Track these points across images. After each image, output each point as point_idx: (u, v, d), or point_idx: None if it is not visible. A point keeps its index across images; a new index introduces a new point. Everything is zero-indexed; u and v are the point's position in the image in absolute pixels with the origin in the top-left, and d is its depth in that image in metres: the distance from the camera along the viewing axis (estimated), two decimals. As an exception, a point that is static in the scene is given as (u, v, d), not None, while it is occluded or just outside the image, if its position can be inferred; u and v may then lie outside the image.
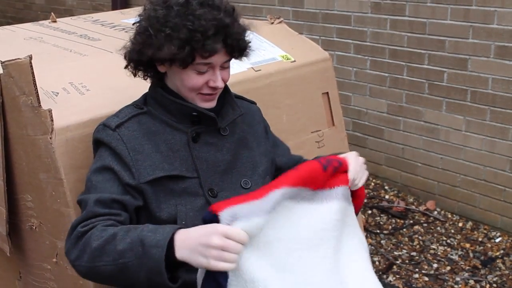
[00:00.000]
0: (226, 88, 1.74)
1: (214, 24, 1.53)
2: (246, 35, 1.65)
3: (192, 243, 1.36)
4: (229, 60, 1.64)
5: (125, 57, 1.67)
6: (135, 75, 1.71)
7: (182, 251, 1.36)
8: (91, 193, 1.57)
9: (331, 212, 1.58)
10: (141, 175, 1.60)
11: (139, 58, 1.63)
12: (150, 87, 1.73)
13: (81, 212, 1.59)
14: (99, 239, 1.45)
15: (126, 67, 1.70)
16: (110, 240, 1.44)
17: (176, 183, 1.63)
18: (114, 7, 5.52)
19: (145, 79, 1.72)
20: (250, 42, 1.67)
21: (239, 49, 1.63)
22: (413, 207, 3.62)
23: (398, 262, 3.11)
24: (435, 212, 3.57)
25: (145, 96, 1.74)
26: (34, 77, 1.70)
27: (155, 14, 1.57)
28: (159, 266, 1.36)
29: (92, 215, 1.53)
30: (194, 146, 1.67)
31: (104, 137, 1.62)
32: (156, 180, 1.61)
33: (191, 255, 1.35)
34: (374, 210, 3.61)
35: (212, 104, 1.67)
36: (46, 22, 2.58)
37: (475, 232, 3.37)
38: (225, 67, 1.64)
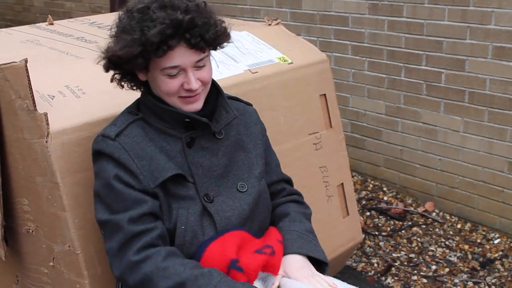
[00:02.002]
0: (218, 91, 1.73)
1: (167, 23, 1.50)
2: (214, 28, 1.58)
3: None
4: (202, 59, 1.59)
5: (103, 69, 1.65)
6: (122, 87, 1.70)
7: None
8: (116, 210, 1.58)
9: None
10: (150, 180, 1.60)
11: (114, 68, 1.63)
12: (142, 93, 1.72)
13: (104, 233, 1.62)
14: (165, 279, 1.51)
15: (111, 80, 1.68)
16: (178, 285, 1.51)
17: (177, 187, 1.63)
18: (112, 9, 5.51)
19: (133, 89, 1.71)
20: (221, 34, 1.61)
21: (206, 43, 1.56)
22: (412, 208, 3.62)
23: (396, 264, 3.10)
24: (434, 214, 3.56)
25: (138, 102, 1.74)
26: (29, 80, 1.70)
27: (120, 24, 1.58)
28: None
29: (132, 235, 1.56)
30: (189, 151, 1.66)
31: (105, 148, 1.61)
32: (164, 182, 1.61)
33: None
34: (373, 212, 3.61)
35: (196, 106, 1.63)
36: (43, 24, 2.58)
37: (474, 233, 3.36)
38: (199, 66, 1.59)
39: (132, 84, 1.69)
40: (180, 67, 1.56)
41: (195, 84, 1.58)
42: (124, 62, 1.57)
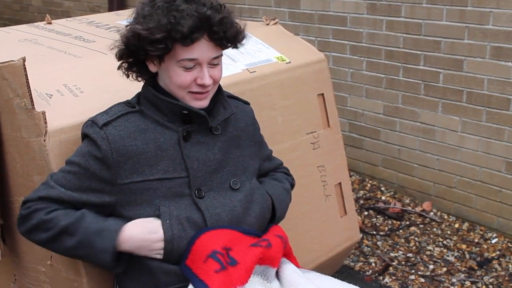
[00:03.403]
0: (218, 88, 1.74)
1: (195, 16, 1.54)
2: (235, 27, 1.64)
3: (136, 242, 1.61)
4: (218, 56, 1.64)
5: (116, 56, 1.68)
6: (128, 76, 1.72)
7: (127, 247, 1.62)
8: (58, 181, 1.65)
9: None
10: (119, 177, 1.62)
11: (128, 55, 1.65)
12: (143, 86, 1.73)
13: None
14: (48, 231, 1.61)
15: (119, 67, 1.71)
16: (58, 234, 1.61)
17: (160, 183, 1.64)
18: (111, 9, 5.51)
19: (138, 80, 1.72)
20: (240, 34, 1.67)
21: (227, 40, 1.62)
22: (410, 208, 3.63)
23: (394, 263, 3.11)
24: (431, 213, 3.57)
25: (138, 95, 1.75)
26: (27, 79, 1.70)
27: (142, 13, 1.60)
28: (109, 267, 1.63)
29: (34, 200, 1.64)
30: (185, 145, 1.67)
31: (91, 133, 1.64)
32: (134, 182, 1.63)
33: (135, 250, 1.62)
34: (371, 211, 3.61)
35: (203, 103, 1.66)
36: (41, 23, 2.58)
37: (471, 233, 3.37)
38: (214, 64, 1.64)
39: (138, 75, 1.71)
40: (197, 60, 1.60)
41: (208, 80, 1.62)
42: (145, 45, 1.57)
